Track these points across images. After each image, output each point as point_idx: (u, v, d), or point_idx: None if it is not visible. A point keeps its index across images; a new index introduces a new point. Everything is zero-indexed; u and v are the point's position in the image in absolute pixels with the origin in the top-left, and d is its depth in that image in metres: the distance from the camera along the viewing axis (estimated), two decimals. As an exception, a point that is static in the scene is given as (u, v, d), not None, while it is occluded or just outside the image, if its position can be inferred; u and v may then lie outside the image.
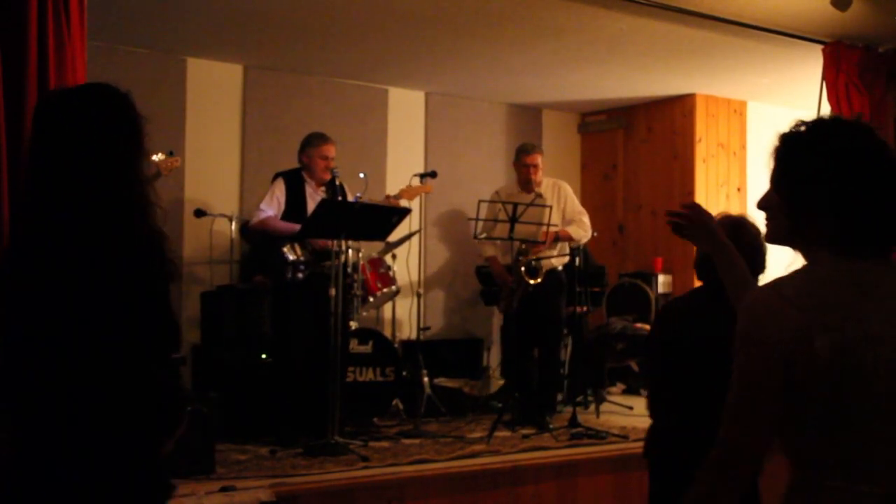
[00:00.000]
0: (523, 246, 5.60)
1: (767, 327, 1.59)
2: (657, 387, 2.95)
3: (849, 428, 1.59)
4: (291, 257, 5.09)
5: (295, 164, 5.47)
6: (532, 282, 5.59)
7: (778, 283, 1.65)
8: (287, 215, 5.21)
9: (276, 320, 5.29)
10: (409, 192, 5.51)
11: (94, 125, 1.83)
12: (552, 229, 5.66)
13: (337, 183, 5.16)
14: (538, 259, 5.69)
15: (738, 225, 2.73)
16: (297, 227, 5.03)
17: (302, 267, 5.10)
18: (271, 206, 5.23)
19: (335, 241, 4.82)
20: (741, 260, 2.07)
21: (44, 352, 1.73)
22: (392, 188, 6.77)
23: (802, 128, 1.69)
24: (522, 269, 5.58)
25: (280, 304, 5.22)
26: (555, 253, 5.82)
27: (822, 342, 1.56)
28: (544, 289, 5.68)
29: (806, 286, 1.62)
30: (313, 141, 5.34)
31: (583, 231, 5.92)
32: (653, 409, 2.91)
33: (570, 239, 5.88)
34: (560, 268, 5.91)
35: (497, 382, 6.70)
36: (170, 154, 5.14)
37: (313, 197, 5.27)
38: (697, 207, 2.10)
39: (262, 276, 5.63)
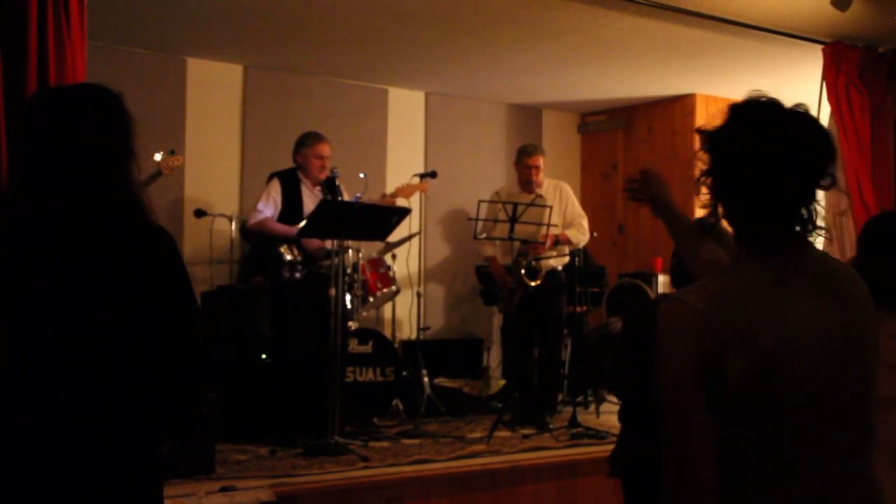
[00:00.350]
0: (523, 247, 5.60)
1: (680, 347, 1.54)
2: (631, 394, 2.77)
3: (775, 436, 1.54)
4: (288, 257, 5.09)
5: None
6: (532, 283, 5.59)
7: (689, 292, 1.59)
8: (283, 215, 5.21)
9: (274, 320, 5.29)
10: (405, 191, 5.51)
11: (85, 123, 1.82)
12: (552, 232, 5.66)
13: (337, 183, 5.15)
14: (538, 259, 5.69)
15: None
16: (294, 230, 5.04)
17: (299, 267, 5.10)
18: (268, 207, 5.23)
19: (333, 242, 4.81)
20: (690, 227, 2.09)
21: (42, 345, 1.72)
22: (391, 188, 6.78)
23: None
24: (522, 270, 5.58)
25: (278, 305, 5.21)
26: (554, 254, 5.82)
27: (736, 358, 1.50)
28: (544, 289, 5.68)
29: (718, 296, 1.55)
30: (307, 140, 5.34)
31: (582, 235, 5.94)
32: (624, 417, 2.75)
33: (568, 243, 5.88)
34: (560, 268, 5.91)
35: (497, 382, 6.70)
36: (171, 153, 5.15)
37: (309, 197, 5.27)
38: (649, 174, 2.17)
39: (260, 277, 5.63)
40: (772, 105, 1.62)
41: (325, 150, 5.31)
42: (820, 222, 1.62)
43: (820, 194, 1.64)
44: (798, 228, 1.60)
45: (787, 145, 1.58)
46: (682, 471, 1.54)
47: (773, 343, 1.52)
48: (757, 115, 1.62)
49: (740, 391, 1.51)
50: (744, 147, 1.59)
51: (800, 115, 1.62)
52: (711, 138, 1.64)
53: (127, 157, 1.88)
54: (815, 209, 1.61)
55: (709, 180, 1.65)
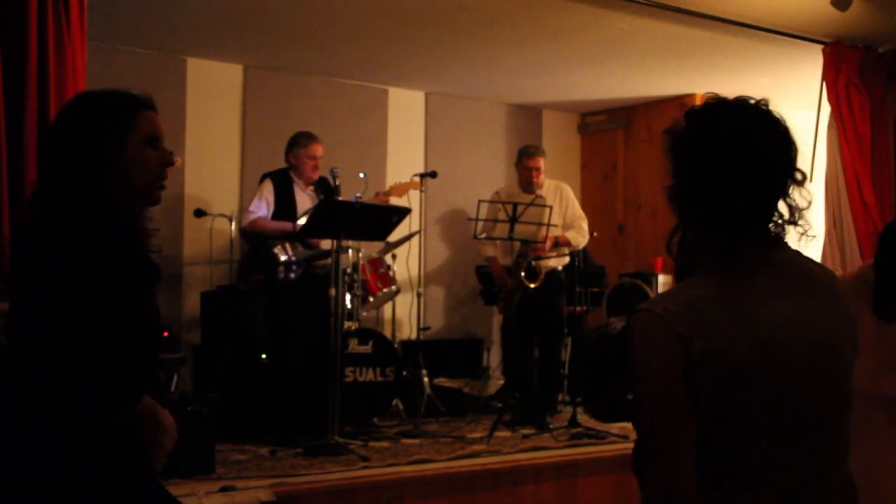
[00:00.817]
0: (523, 247, 5.60)
1: (651, 357, 1.53)
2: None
3: (748, 438, 1.53)
4: (283, 257, 5.09)
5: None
6: (531, 285, 5.59)
7: (658, 301, 1.58)
8: (276, 216, 5.20)
9: (270, 321, 5.28)
10: (398, 189, 5.53)
11: (72, 127, 1.86)
12: (552, 232, 5.66)
13: (337, 183, 5.15)
14: (538, 259, 5.69)
15: None
16: (289, 224, 5.03)
17: (294, 267, 5.10)
18: (260, 207, 5.23)
19: (333, 241, 4.81)
20: None
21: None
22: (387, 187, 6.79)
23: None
24: (522, 272, 5.58)
25: (273, 305, 5.21)
26: (554, 255, 5.82)
27: (707, 364, 1.49)
28: (544, 289, 5.68)
29: (687, 304, 1.54)
30: (301, 140, 5.33)
31: (581, 237, 5.94)
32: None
33: (568, 244, 5.88)
34: (560, 268, 5.91)
35: (497, 382, 6.70)
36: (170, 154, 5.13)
37: (302, 196, 5.27)
38: None
39: (258, 277, 5.63)
40: (729, 104, 1.62)
41: (318, 150, 5.30)
42: (804, 219, 1.61)
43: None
44: (771, 227, 1.59)
45: (745, 143, 1.57)
46: (661, 486, 1.53)
47: (744, 348, 1.51)
48: (714, 115, 1.61)
49: (712, 397, 1.50)
50: (704, 149, 1.60)
51: (759, 112, 1.60)
52: (673, 144, 1.65)
53: (111, 153, 1.85)
54: (792, 206, 1.59)
55: (673, 186, 1.65)
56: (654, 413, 1.53)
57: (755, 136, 1.57)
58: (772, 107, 1.63)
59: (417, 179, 5.76)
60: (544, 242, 5.67)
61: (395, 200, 5.42)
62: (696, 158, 1.60)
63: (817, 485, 1.55)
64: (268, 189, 5.27)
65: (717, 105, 1.63)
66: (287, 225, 5.05)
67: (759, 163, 1.56)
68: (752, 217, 1.58)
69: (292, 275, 5.09)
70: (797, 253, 1.63)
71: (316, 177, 5.24)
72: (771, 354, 1.52)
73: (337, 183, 5.16)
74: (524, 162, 5.93)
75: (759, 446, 1.53)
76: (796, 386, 1.53)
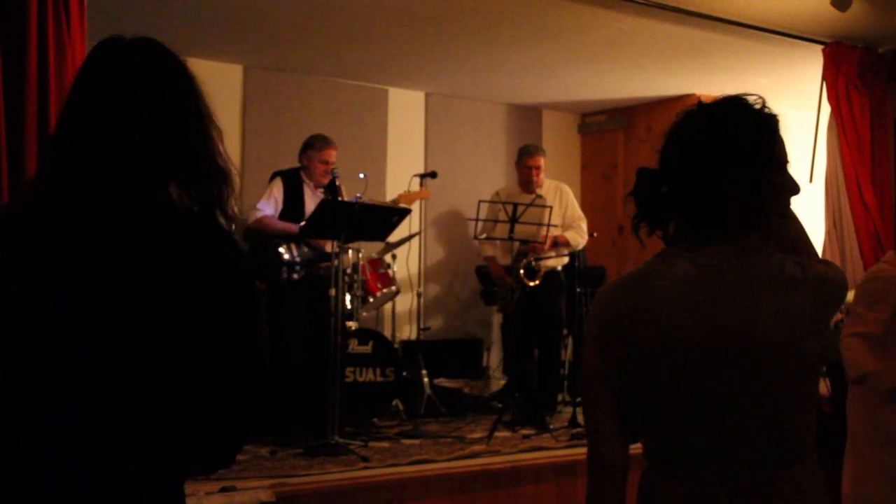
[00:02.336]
0: (522, 247, 5.60)
1: (586, 335, 1.67)
2: None
3: (659, 427, 1.61)
4: (287, 257, 5.09)
5: (294, 164, 5.47)
6: (531, 284, 5.59)
7: (609, 282, 1.72)
8: (285, 215, 5.21)
9: (272, 321, 5.29)
10: (406, 198, 5.51)
11: (135, 84, 1.53)
12: (552, 232, 5.67)
13: (337, 183, 5.16)
14: (538, 259, 5.69)
15: None
16: (294, 226, 5.03)
17: (297, 267, 5.10)
18: (268, 206, 5.23)
19: (334, 242, 4.82)
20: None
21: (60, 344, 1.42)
22: (392, 188, 6.78)
23: None
24: (521, 270, 5.58)
25: (276, 305, 5.21)
26: (553, 254, 5.82)
27: (617, 347, 1.61)
28: (544, 289, 5.68)
29: (618, 286, 1.67)
30: (315, 144, 5.33)
31: (580, 237, 5.95)
32: None
33: (567, 244, 5.89)
34: (559, 268, 5.91)
35: (497, 382, 6.70)
36: None
37: (311, 197, 5.27)
38: None
39: (257, 280, 5.63)
40: (704, 105, 1.66)
41: (331, 155, 5.30)
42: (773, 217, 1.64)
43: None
44: (734, 223, 1.61)
45: (691, 139, 1.63)
46: (590, 450, 1.68)
47: (646, 336, 1.58)
48: (688, 111, 1.67)
49: (623, 381, 1.61)
50: (664, 145, 1.68)
51: (721, 108, 1.63)
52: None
53: (203, 130, 1.56)
54: (756, 202, 1.60)
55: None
56: (584, 384, 1.68)
57: (689, 130, 1.64)
58: (765, 105, 1.64)
59: (427, 189, 5.77)
60: (543, 242, 5.68)
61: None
62: (664, 148, 1.69)
63: (733, 482, 1.56)
64: (277, 188, 5.27)
65: (703, 103, 1.67)
66: (292, 226, 5.05)
67: (701, 157, 1.61)
68: (697, 212, 1.62)
69: (295, 275, 5.09)
70: (755, 251, 1.60)
71: (326, 181, 5.24)
72: (670, 345, 1.57)
73: (337, 183, 5.16)
74: (524, 161, 5.94)
75: (668, 429, 1.60)
76: (698, 380, 1.56)
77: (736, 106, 1.63)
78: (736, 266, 1.58)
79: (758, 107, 1.63)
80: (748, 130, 1.61)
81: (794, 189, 1.65)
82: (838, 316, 5.50)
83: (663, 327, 1.57)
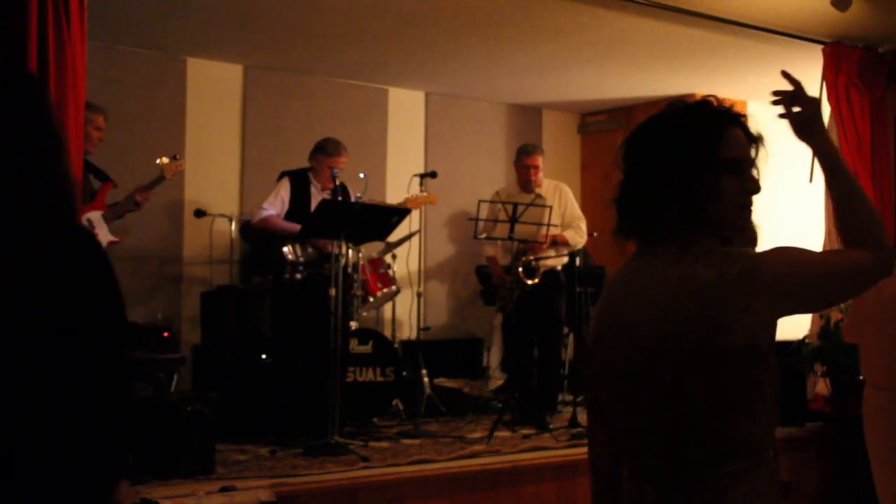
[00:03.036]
0: (521, 246, 5.60)
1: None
2: None
3: (611, 420, 1.71)
4: (291, 257, 5.09)
5: (297, 163, 5.46)
6: (529, 282, 5.59)
7: None
8: (291, 215, 5.20)
9: (275, 320, 5.29)
10: (414, 202, 5.49)
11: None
12: (552, 231, 5.67)
13: (337, 183, 5.15)
14: (538, 259, 5.69)
15: None
16: (297, 226, 5.03)
17: (301, 268, 5.11)
18: (274, 206, 5.23)
19: (335, 243, 4.81)
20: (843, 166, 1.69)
21: None
22: (392, 188, 6.79)
23: None
24: (520, 269, 5.58)
25: (278, 304, 5.22)
26: (553, 254, 5.82)
27: (589, 336, 1.73)
28: (543, 289, 5.68)
29: (609, 280, 1.81)
30: (327, 149, 5.29)
31: (579, 237, 5.94)
32: None
33: (566, 244, 5.88)
34: (559, 268, 5.91)
35: (497, 383, 6.70)
36: (174, 158, 5.14)
37: (318, 198, 5.26)
38: (799, 86, 1.79)
39: (260, 277, 5.63)
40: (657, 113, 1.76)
41: (341, 162, 5.27)
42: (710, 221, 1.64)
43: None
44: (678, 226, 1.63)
45: (631, 143, 1.74)
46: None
47: (593, 330, 1.70)
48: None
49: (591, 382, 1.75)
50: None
51: (662, 113, 1.73)
52: None
53: (43, 152, 1.60)
54: (690, 202, 1.61)
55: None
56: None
57: (632, 136, 1.76)
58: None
59: (433, 194, 5.76)
60: (542, 242, 5.68)
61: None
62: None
63: (657, 481, 1.61)
64: (284, 188, 5.27)
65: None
66: (296, 226, 5.04)
67: (645, 162, 1.70)
68: (640, 216, 1.67)
69: (298, 275, 5.09)
70: (677, 257, 1.60)
71: (331, 186, 5.23)
72: (601, 342, 1.67)
73: (339, 183, 5.15)
74: (522, 160, 5.94)
75: (616, 430, 1.70)
76: (619, 381, 1.65)
77: (676, 110, 1.70)
78: (648, 267, 1.63)
79: (705, 108, 1.66)
80: (678, 132, 1.65)
81: (751, 189, 1.65)
82: (838, 316, 5.50)
83: (594, 330, 1.69)
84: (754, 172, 1.65)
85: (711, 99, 1.67)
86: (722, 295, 1.54)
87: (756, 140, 1.67)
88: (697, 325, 1.55)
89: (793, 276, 1.55)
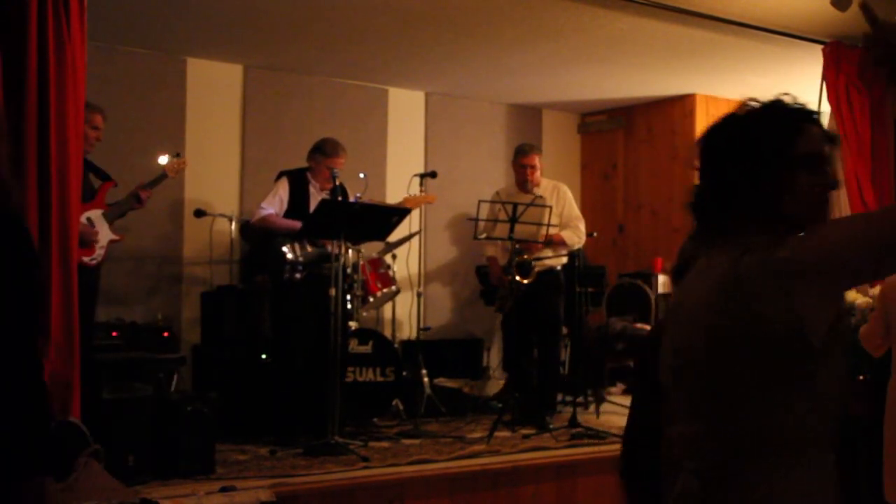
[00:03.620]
0: (518, 246, 5.60)
1: None
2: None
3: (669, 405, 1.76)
4: (290, 256, 5.09)
5: (297, 163, 5.46)
6: (524, 280, 5.59)
7: None
8: (289, 215, 5.20)
9: (275, 320, 5.29)
10: (412, 201, 5.49)
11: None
12: (551, 231, 5.67)
13: (336, 183, 5.15)
14: (538, 260, 5.69)
15: None
16: (298, 224, 5.02)
17: (300, 267, 5.10)
18: (272, 205, 5.22)
19: (335, 243, 4.81)
20: None
21: None
22: (392, 188, 6.79)
23: None
24: (514, 267, 5.58)
25: (278, 304, 5.22)
26: (551, 253, 5.82)
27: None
28: (542, 289, 5.68)
29: None
30: (326, 149, 5.29)
31: (577, 237, 5.94)
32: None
33: (563, 244, 5.88)
34: (558, 268, 5.91)
35: (497, 382, 6.70)
36: (176, 156, 5.14)
37: (317, 198, 5.25)
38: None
39: (262, 277, 5.63)
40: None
41: (339, 163, 5.26)
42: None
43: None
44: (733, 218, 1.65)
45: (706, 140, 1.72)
46: None
47: (662, 321, 1.76)
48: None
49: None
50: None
51: (738, 111, 1.69)
52: None
53: None
54: (754, 198, 1.62)
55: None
56: None
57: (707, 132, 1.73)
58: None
59: (432, 194, 5.76)
60: (540, 243, 5.68)
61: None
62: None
63: (697, 465, 1.63)
64: (283, 188, 5.27)
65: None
66: (297, 224, 5.03)
67: (709, 156, 1.72)
68: (708, 206, 1.69)
69: (298, 275, 5.09)
70: (737, 249, 1.61)
71: (329, 187, 5.22)
72: (666, 330, 1.71)
73: (338, 183, 5.15)
74: (518, 160, 5.95)
75: (671, 416, 1.72)
76: (671, 368, 1.70)
77: (752, 107, 1.66)
78: (714, 260, 1.63)
79: (781, 105, 1.64)
80: (755, 128, 1.63)
81: (827, 184, 1.62)
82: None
83: (663, 321, 1.75)
84: (830, 169, 1.64)
85: (786, 97, 1.65)
86: (763, 282, 1.52)
87: (832, 138, 1.66)
88: (740, 314, 1.55)
89: (834, 245, 1.50)
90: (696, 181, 1.73)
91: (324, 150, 5.29)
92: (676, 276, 1.70)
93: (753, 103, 1.67)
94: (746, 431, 1.57)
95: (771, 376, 1.55)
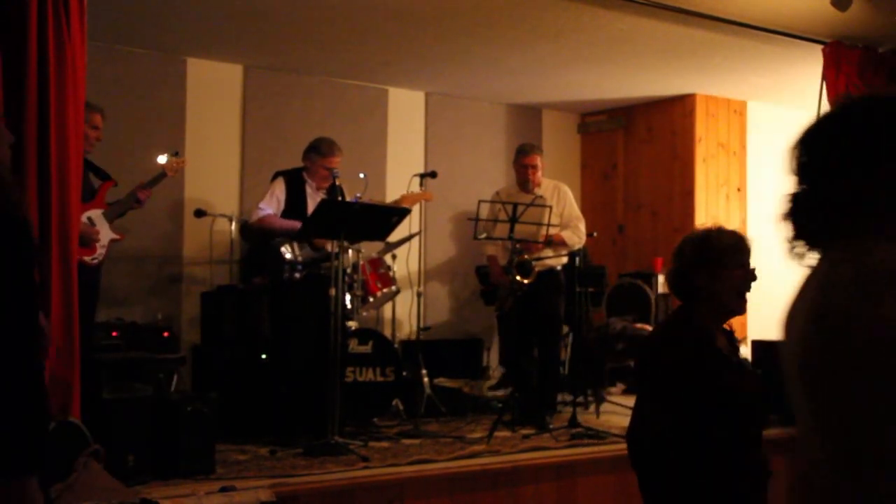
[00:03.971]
0: (518, 246, 5.60)
1: None
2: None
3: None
4: (289, 256, 5.09)
5: (297, 163, 5.46)
6: (524, 280, 5.59)
7: None
8: (286, 215, 5.20)
9: (273, 320, 5.29)
10: (408, 199, 5.49)
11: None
12: (551, 231, 5.67)
13: (336, 183, 5.16)
14: (539, 260, 5.69)
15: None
16: (297, 223, 5.02)
17: (299, 267, 5.10)
18: (270, 205, 5.22)
19: (334, 243, 4.81)
20: None
21: None
22: (392, 188, 6.79)
23: None
24: (514, 267, 5.58)
25: (277, 304, 5.22)
26: (551, 253, 5.81)
27: None
28: (542, 289, 5.68)
29: None
30: (321, 148, 5.29)
31: (577, 238, 5.93)
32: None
33: (563, 244, 5.87)
34: (559, 268, 5.91)
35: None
36: (175, 154, 5.14)
37: (313, 197, 5.26)
38: None
39: (261, 278, 5.63)
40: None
41: (335, 162, 5.26)
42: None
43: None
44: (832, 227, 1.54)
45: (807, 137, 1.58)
46: None
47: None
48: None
49: None
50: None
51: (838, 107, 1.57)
52: None
53: None
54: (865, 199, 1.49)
55: None
56: None
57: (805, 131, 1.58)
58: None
59: (429, 191, 5.76)
60: (540, 243, 5.68)
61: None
62: None
63: (809, 481, 1.56)
64: (279, 188, 5.26)
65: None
66: (296, 224, 5.03)
67: (808, 156, 1.56)
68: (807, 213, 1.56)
69: (297, 275, 5.09)
70: (832, 260, 1.53)
71: (326, 185, 5.22)
72: (782, 344, 1.59)
73: (338, 183, 5.15)
74: (519, 160, 5.95)
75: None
76: (787, 377, 1.58)
77: (847, 107, 1.55)
78: (820, 266, 1.53)
79: (881, 101, 1.53)
80: (855, 127, 1.52)
81: None
82: None
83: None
84: None
85: (882, 93, 1.56)
86: (856, 289, 1.42)
87: None
88: (831, 322, 1.45)
89: None
90: (794, 188, 1.57)
91: (319, 150, 5.29)
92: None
93: (849, 98, 1.55)
94: (842, 448, 1.47)
95: (867, 388, 1.42)
